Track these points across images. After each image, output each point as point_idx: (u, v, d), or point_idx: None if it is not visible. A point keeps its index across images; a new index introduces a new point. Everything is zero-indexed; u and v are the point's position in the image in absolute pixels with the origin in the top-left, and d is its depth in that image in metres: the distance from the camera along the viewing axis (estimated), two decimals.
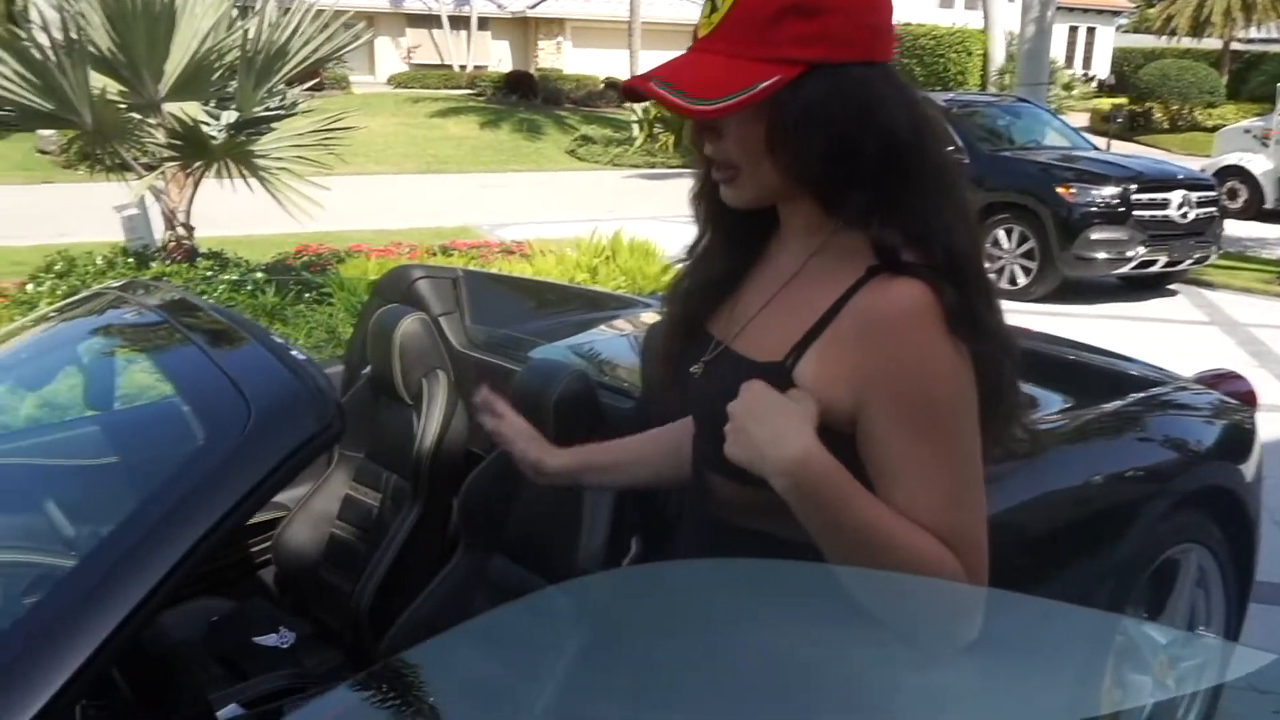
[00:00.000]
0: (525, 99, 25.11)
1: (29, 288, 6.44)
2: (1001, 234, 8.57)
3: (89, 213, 8.25)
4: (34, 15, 6.32)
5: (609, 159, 19.17)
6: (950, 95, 10.30)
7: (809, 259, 1.12)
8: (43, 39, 5.96)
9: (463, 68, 32.02)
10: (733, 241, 1.20)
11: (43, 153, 16.06)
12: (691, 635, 0.96)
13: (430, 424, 2.27)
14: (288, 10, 6.70)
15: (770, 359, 1.08)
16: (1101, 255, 8.20)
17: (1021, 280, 8.46)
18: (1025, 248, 8.43)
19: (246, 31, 6.33)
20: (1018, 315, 7.92)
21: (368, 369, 2.45)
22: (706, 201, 1.19)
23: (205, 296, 5.93)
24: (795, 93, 1.02)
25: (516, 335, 2.46)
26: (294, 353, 1.42)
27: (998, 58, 20.19)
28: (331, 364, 2.74)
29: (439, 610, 1.96)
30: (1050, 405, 2.22)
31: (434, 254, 7.88)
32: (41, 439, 1.61)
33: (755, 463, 0.99)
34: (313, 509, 2.44)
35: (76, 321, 1.79)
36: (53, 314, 1.92)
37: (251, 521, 2.54)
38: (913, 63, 25.17)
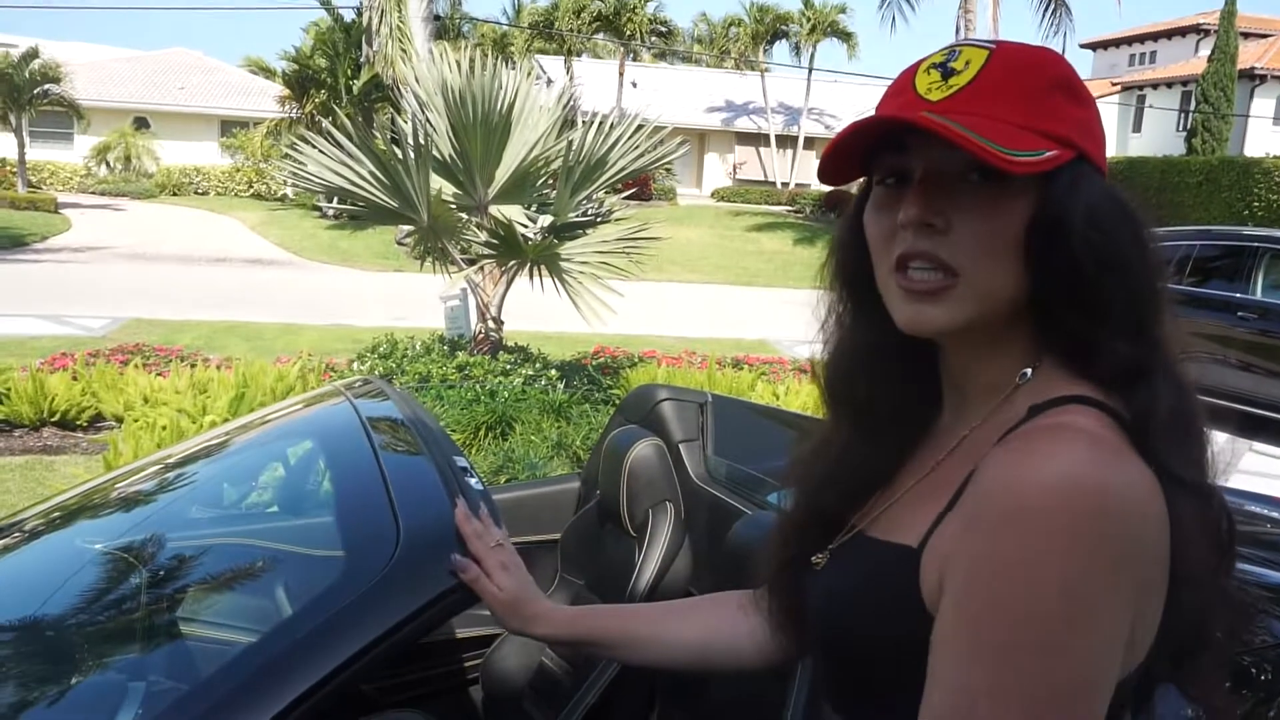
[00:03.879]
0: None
1: (354, 365, 7.06)
2: None
3: (427, 301, 9.00)
4: (401, 126, 7.07)
5: None
6: None
7: (980, 425, 0.84)
8: (396, 146, 6.62)
9: (785, 184, 32.75)
10: (900, 420, 0.93)
11: (400, 244, 18.03)
12: None
13: (650, 560, 2.08)
14: (614, 124, 7.00)
15: (903, 540, 0.82)
16: None
17: None
18: None
19: (571, 142, 6.69)
20: None
21: (599, 490, 2.31)
22: (884, 358, 0.92)
23: (501, 388, 6.19)
24: (1072, 182, 0.79)
25: (758, 475, 2.23)
26: (471, 481, 1.28)
27: None
28: (569, 479, 2.64)
29: None
30: None
31: (724, 366, 7.82)
32: (204, 531, 1.58)
33: None
34: None
35: (301, 418, 1.79)
36: (288, 408, 1.94)
37: (467, 635, 2.47)
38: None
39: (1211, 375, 8.53)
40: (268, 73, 26.53)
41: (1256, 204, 22.97)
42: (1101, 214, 0.78)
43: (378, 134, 8.08)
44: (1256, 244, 8.84)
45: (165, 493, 1.60)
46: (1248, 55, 30.55)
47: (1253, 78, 31.03)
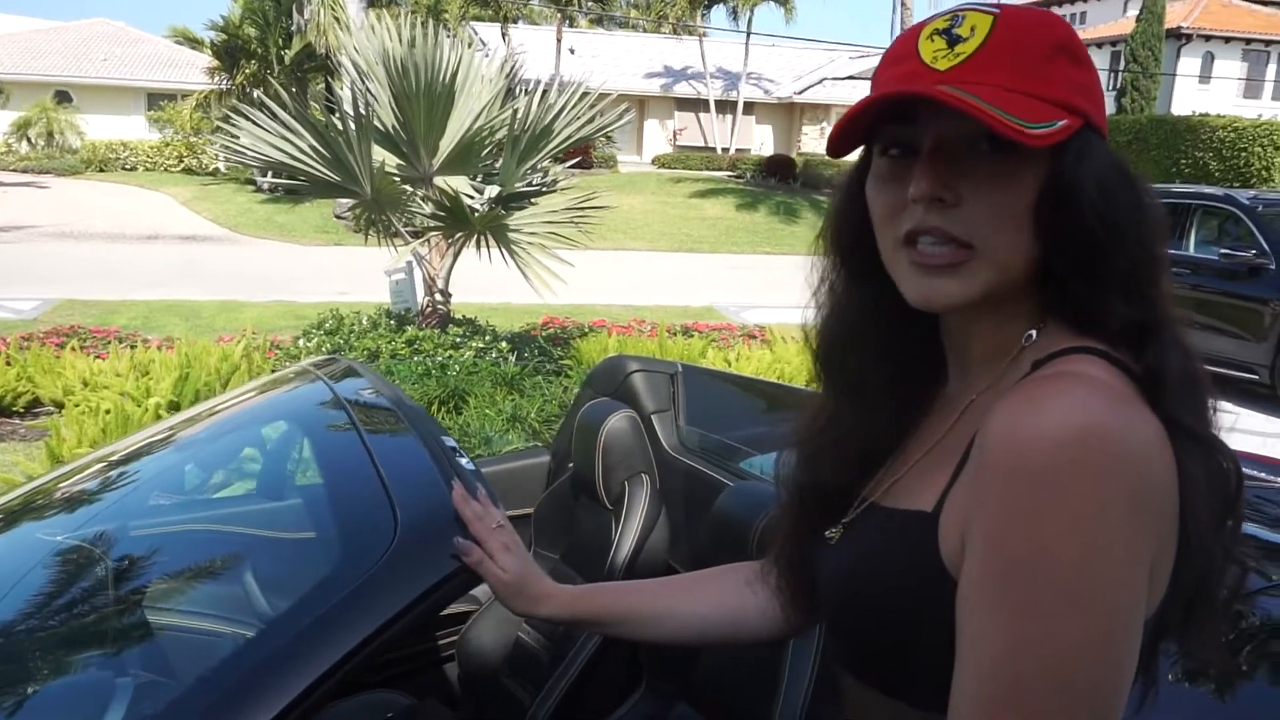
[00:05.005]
0: (784, 182, 25.23)
1: (300, 342, 6.93)
2: None
3: (369, 275, 8.86)
4: (338, 93, 6.91)
5: None
6: (1252, 193, 9.23)
7: (986, 389, 0.85)
8: (337, 117, 6.48)
9: (725, 150, 32.74)
10: (894, 392, 0.93)
11: (339, 217, 17.69)
12: None
13: (628, 533, 2.08)
14: (558, 91, 6.93)
15: (919, 506, 0.82)
16: None
17: None
18: None
19: (516, 111, 6.59)
20: None
21: (572, 464, 2.29)
22: (878, 330, 0.92)
23: (452, 362, 6.13)
24: (1082, 148, 0.78)
25: (730, 443, 2.24)
26: (462, 461, 1.26)
27: None
28: (539, 452, 2.62)
29: None
30: None
31: (674, 334, 7.83)
32: (184, 521, 1.53)
33: None
34: (501, 609, 2.29)
35: (272, 399, 1.74)
36: (266, 384, 1.89)
37: (442, 613, 2.45)
38: (1208, 156, 23.21)
39: None
40: (195, 43, 25.66)
41: (1184, 161, 23.54)
42: (1109, 182, 0.79)
43: (315, 105, 7.90)
44: (1188, 201, 9.05)
45: (145, 482, 1.55)
46: (1174, 15, 31.16)
47: (1179, 37, 31.69)
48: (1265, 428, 7.30)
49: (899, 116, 0.81)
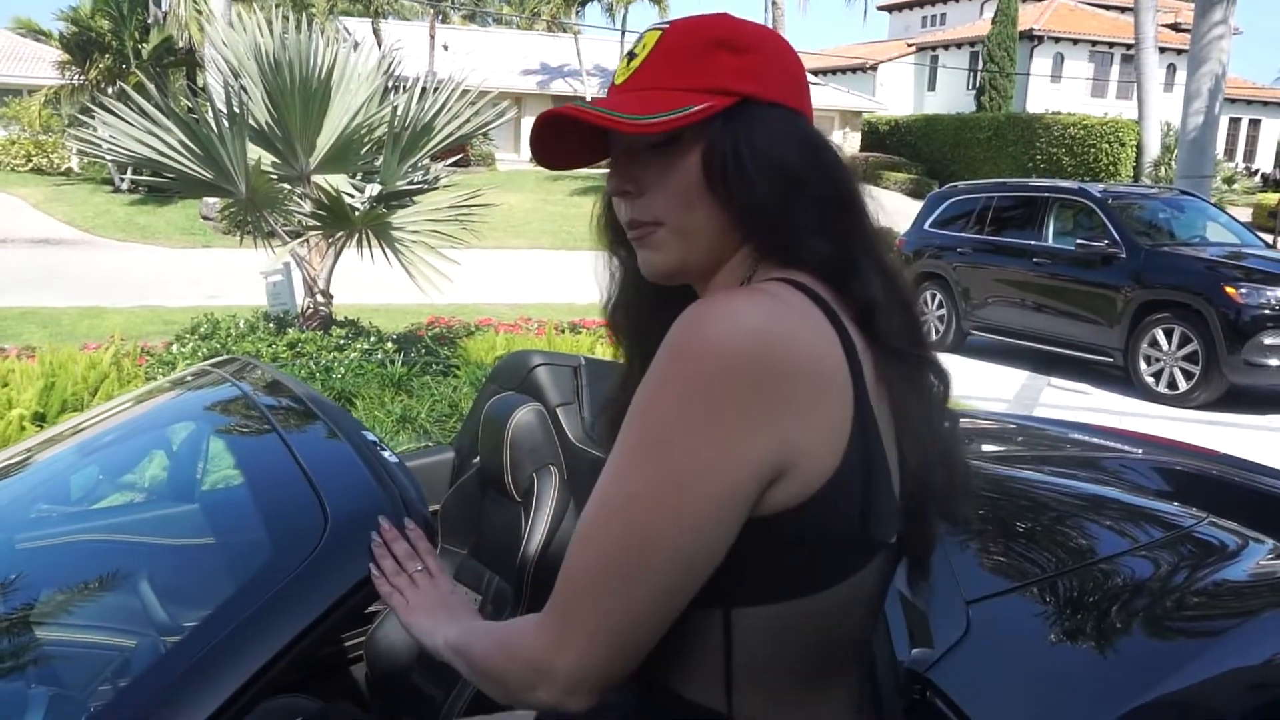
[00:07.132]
0: None
1: (173, 348, 6.66)
2: (1160, 334, 8.02)
3: (241, 277, 8.58)
4: (206, 82, 6.66)
5: None
6: (1103, 186, 9.78)
7: None
8: (209, 112, 6.25)
9: None
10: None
11: (205, 219, 17.05)
12: None
13: (538, 525, 2.09)
14: (437, 88, 6.86)
15: None
16: (1276, 362, 7.55)
17: (1182, 385, 7.87)
18: (1187, 350, 7.86)
19: (395, 108, 6.48)
20: (1176, 424, 7.15)
21: (477, 459, 2.29)
22: (651, 295, 1.05)
23: (336, 364, 6.00)
24: (734, 123, 0.92)
25: None
26: (385, 454, 1.26)
27: (1152, 149, 19.49)
28: (443, 449, 2.61)
29: None
30: (1255, 552, 1.87)
31: (562, 331, 7.84)
32: (101, 528, 1.48)
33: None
34: None
35: (175, 401, 1.69)
36: (157, 389, 1.83)
37: None
38: (1060, 152, 24.47)
39: (1012, 318, 9.20)
40: (42, 35, 24.32)
41: (1039, 156, 24.77)
42: (772, 143, 0.91)
43: (184, 99, 7.60)
44: (1045, 194, 9.54)
45: (49, 492, 1.48)
46: (1026, 17, 32.71)
47: (1031, 39, 33.27)
48: (1120, 406, 7.77)
49: (604, 131, 0.96)
